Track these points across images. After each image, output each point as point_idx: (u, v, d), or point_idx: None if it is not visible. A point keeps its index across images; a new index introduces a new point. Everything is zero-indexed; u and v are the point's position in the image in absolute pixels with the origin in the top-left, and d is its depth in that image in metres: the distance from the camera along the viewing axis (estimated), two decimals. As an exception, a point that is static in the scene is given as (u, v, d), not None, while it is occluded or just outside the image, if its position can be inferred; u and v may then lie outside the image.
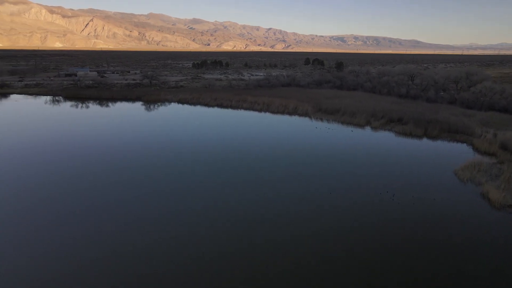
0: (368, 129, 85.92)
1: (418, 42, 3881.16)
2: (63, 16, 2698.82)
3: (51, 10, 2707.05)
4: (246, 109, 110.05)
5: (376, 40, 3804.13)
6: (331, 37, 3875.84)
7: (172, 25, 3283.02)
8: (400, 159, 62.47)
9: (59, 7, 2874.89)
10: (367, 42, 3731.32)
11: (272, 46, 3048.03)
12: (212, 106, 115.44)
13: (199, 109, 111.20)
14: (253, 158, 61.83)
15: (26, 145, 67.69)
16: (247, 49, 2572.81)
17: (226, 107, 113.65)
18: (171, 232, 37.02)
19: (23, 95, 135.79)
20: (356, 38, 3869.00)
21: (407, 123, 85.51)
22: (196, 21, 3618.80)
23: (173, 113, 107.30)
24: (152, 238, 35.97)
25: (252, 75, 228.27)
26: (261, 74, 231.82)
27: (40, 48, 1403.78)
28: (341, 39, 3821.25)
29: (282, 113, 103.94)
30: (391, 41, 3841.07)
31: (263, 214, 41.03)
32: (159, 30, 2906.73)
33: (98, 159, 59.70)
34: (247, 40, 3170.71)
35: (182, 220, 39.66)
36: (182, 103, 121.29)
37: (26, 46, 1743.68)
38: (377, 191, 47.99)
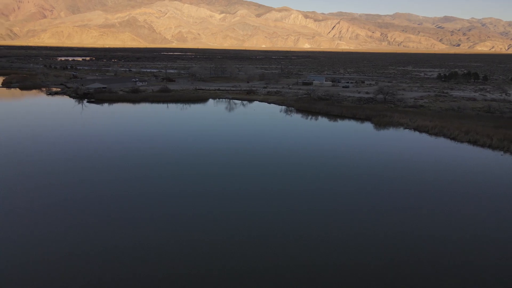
0: None
1: None
2: (315, 20, 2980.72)
3: (306, 15, 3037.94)
4: (514, 154, 78.44)
5: None
6: None
7: (418, 24, 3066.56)
8: None
9: (312, 12, 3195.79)
10: None
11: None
12: (461, 141, 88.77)
13: (442, 144, 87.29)
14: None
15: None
16: (510, 51, 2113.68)
17: (483, 146, 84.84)
18: None
19: (263, 102, 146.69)
20: None
21: None
22: (447, 19, 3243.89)
23: (405, 145, 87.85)
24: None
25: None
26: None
27: (292, 49, 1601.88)
28: None
29: None
30: None
31: None
32: (403, 31, 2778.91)
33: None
34: (511, 40, 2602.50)
35: None
36: (420, 131, 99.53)
37: (282, 48, 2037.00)
38: None
